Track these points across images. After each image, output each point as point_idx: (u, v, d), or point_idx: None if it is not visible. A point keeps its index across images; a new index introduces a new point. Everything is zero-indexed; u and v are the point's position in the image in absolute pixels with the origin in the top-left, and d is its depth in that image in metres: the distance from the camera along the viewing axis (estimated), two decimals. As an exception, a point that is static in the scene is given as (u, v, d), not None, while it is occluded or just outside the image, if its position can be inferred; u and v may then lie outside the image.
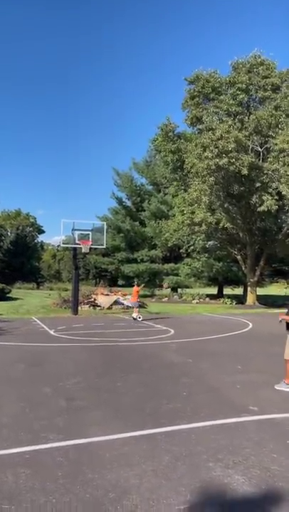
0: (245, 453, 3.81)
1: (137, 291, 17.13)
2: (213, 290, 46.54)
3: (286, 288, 46.85)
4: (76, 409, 5.03)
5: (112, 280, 46.64)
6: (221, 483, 3.25)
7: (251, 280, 27.77)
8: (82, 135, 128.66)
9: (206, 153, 22.02)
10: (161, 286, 38.20)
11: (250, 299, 28.00)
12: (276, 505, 2.96)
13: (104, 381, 6.42)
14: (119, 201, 41.03)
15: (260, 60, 24.36)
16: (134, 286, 18.03)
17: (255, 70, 24.33)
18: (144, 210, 37.49)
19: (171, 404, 5.24)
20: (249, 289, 28.41)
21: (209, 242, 30.50)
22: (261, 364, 7.97)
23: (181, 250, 30.82)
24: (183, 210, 26.22)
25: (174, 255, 38.15)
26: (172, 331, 12.88)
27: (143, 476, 3.37)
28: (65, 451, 3.81)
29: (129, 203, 41.51)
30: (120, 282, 42.06)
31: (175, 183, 29.73)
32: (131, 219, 38.36)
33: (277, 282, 54.49)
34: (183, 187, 28.83)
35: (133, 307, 17.66)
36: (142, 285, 16.53)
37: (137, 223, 38.02)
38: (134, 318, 16.48)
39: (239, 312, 22.76)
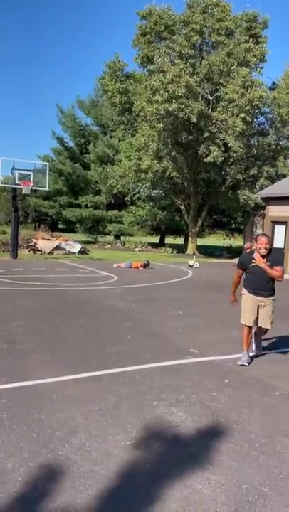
0: (186, 392, 4.01)
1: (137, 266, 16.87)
2: (155, 239, 47.25)
3: (224, 239, 48.81)
4: (19, 352, 4.97)
5: (52, 225, 45.66)
6: (165, 420, 3.41)
7: (193, 230, 28.41)
8: (25, 68, 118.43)
9: (155, 97, 21.35)
10: (105, 234, 38.04)
11: (191, 248, 28.78)
12: (216, 438, 3.18)
13: (47, 325, 6.38)
14: (61, 141, 39.17)
15: (215, 0, 23.35)
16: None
17: (210, 10, 23.38)
18: (89, 153, 36.33)
19: (115, 347, 5.36)
20: (190, 238, 29.11)
21: (154, 191, 30.49)
22: (200, 310, 8.34)
23: (126, 198, 30.53)
24: (130, 156, 25.79)
25: (118, 202, 37.82)
26: (115, 277, 13.04)
27: (90, 415, 3.44)
28: (8, 393, 3.77)
29: (72, 144, 39.84)
30: (61, 226, 41.23)
31: (122, 127, 28.80)
32: (74, 161, 37.02)
33: (216, 233, 56.56)
34: (130, 131, 28.04)
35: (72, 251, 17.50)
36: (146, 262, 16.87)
37: (81, 166, 36.81)
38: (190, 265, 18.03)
39: (179, 261, 23.39)
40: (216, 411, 3.64)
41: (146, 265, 16.72)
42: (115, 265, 16.89)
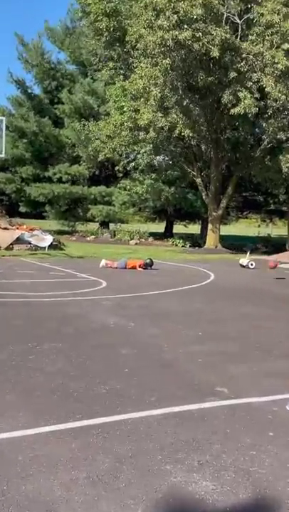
0: (214, 450, 3.97)
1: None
2: (160, 227, 47.50)
3: (259, 226, 48.86)
4: None
5: (10, 207, 45.63)
6: (184, 493, 3.37)
7: (214, 214, 28.55)
8: None
9: (159, 21, 21.31)
10: (87, 220, 38.10)
11: (211, 240, 29.02)
12: (259, 518, 3.15)
13: (8, 354, 6.38)
14: (22, 87, 39.15)
15: None
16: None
17: None
18: (63, 103, 36.43)
19: (107, 385, 5.33)
20: (210, 226, 29.32)
21: (158, 158, 30.75)
22: (229, 329, 8.34)
23: (117, 168, 30.77)
24: (122, 107, 25.79)
25: (105, 175, 38.08)
26: (104, 283, 13.10)
27: (73, 485, 3.40)
28: None
29: (38, 91, 39.93)
30: (23, 209, 41.30)
31: (111, 65, 28.86)
32: (41, 115, 37.16)
33: (247, 218, 56.75)
34: (123, 71, 28.05)
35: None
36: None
37: (51, 123, 36.92)
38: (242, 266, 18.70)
39: (196, 258, 23.45)
40: (257, 479, 3.60)
41: (147, 265, 16.75)
42: (104, 264, 16.93)
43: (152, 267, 16.89)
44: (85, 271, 15.58)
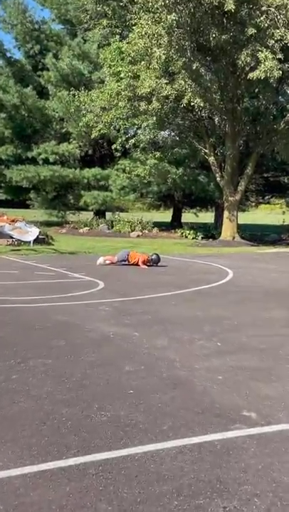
0: (243, 493, 3.80)
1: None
2: (165, 216, 47.55)
3: (284, 213, 48.66)
4: None
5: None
6: None
7: (230, 199, 28.61)
8: None
9: None
10: (79, 209, 37.95)
11: (228, 230, 29.10)
12: None
13: (-15, 373, 6.25)
14: (1, 51, 39.30)
15: None
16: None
17: None
18: (48, 70, 36.44)
19: (108, 410, 5.18)
20: (226, 214, 29.34)
21: (163, 133, 30.67)
22: (254, 338, 8.18)
23: (114, 146, 30.77)
24: (119, 73, 25.74)
25: (100, 154, 38.04)
26: (101, 284, 13.03)
27: None
28: None
29: (19, 55, 39.99)
30: (3, 197, 41.36)
31: (105, 23, 28.87)
32: (22, 84, 37.26)
33: (269, 203, 56.61)
34: (119, 30, 28.04)
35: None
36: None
37: (35, 93, 36.94)
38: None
39: (210, 252, 23.40)
40: (300, 529, 3.41)
41: (153, 262, 16.65)
42: (102, 260, 16.91)
43: (159, 264, 16.75)
44: (78, 270, 15.48)
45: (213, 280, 14.33)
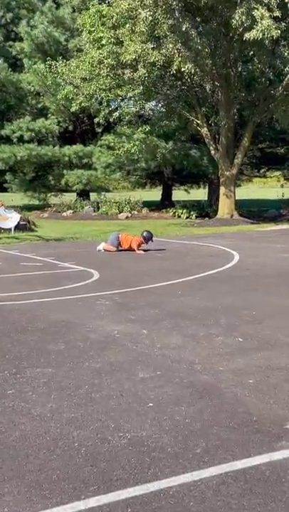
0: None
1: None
2: (153, 195, 47.06)
3: (282, 186, 48.35)
4: None
5: None
6: None
7: (227, 173, 28.40)
8: None
9: None
10: (61, 191, 37.65)
11: (225, 207, 28.87)
12: None
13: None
14: None
15: None
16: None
17: None
18: (21, 40, 35.91)
19: (127, 431, 4.68)
20: (223, 190, 29.14)
21: (150, 104, 30.41)
22: (278, 330, 7.79)
23: (96, 120, 30.76)
24: (100, 39, 25.28)
25: (81, 130, 37.58)
26: (95, 274, 12.65)
27: None
28: None
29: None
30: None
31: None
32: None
33: (265, 177, 56.27)
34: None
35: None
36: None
37: (7, 66, 36.72)
38: None
39: (208, 232, 23.15)
40: None
41: (147, 240, 16.35)
42: (101, 248, 16.51)
43: (155, 248, 16.46)
44: (66, 258, 15.17)
45: (218, 264, 13.91)
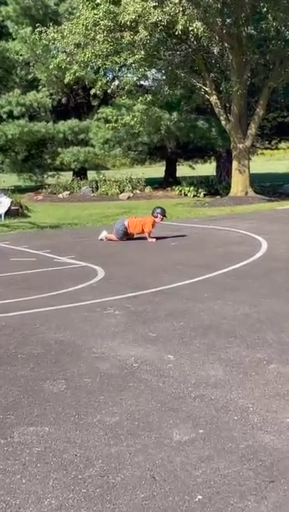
0: None
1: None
2: (154, 171, 46.19)
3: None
4: None
5: None
6: None
7: (240, 146, 27.77)
8: None
9: None
10: (57, 170, 37.04)
11: (239, 184, 28.22)
12: None
13: None
14: None
15: None
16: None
17: None
18: (6, 4, 35.55)
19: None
20: (235, 164, 28.49)
21: (151, 71, 29.66)
22: None
23: (92, 91, 30.18)
24: (94, -3, 24.69)
25: (76, 103, 37.62)
26: (100, 272, 11.37)
27: None
28: None
29: None
30: None
31: None
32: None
33: (278, 149, 55.32)
34: None
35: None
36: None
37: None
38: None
39: (222, 213, 22.32)
40: None
41: (161, 215, 15.35)
42: (103, 237, 15.46)
43: (168, 235, 15.51)
44: (65, 251, 13.91)
45: (246, 254, 12.56)
